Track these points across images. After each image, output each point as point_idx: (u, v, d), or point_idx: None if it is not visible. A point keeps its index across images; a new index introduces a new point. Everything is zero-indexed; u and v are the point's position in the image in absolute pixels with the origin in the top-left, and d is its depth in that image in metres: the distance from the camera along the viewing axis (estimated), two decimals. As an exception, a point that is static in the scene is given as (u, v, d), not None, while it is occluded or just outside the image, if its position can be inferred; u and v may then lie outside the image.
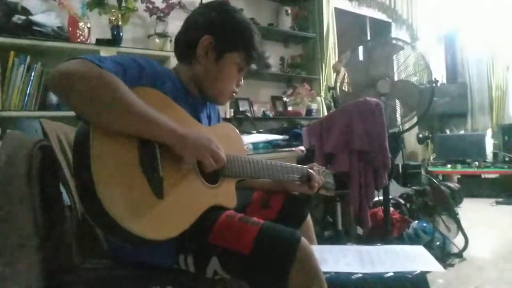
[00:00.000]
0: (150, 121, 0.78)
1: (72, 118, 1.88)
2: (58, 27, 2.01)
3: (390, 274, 1.00)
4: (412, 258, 1.11)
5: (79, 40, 2.09)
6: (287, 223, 0.92)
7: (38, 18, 1.92)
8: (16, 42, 1.86)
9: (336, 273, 1.00)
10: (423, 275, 1.01)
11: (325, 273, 0.85)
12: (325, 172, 1.33)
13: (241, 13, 1.10)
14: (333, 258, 1.11)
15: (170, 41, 2.53)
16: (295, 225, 1.09)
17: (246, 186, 1.24)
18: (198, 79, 1.05)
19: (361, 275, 1.00)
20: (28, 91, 1.90)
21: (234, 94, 1.14)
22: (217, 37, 1.01)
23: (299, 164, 1.24)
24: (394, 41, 2.60)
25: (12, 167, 0.84)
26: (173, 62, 2.34)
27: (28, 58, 1.89)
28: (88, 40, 2.14)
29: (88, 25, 2.14)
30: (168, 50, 2.47)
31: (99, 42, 2.11)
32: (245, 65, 1.07)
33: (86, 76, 0.73)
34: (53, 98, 2.02)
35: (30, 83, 1.91)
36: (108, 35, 2.26)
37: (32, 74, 1.91)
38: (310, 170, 1.21)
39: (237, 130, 1.21)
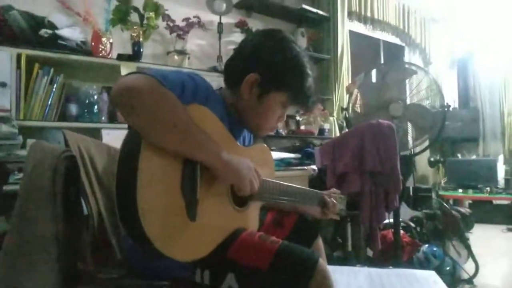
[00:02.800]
0: (201, 144, 0.80)
1: (90, 129, 1.90)
2: (82, 42, 2.09)
3: None
4: (423, 285, 1.11)
5: (101, 54, 2.16)
6: (299, 242, 0.93)
7: (63, 32, 2.00)
8: (42, 55, 1.92)
9: None
10: None
11: (335, 294, 0.85)
12: (341, 198, 1.34)
13: (297, 48, 1.03)
14: (344, 280, 1.11)
15: (188, 58, 2.60)
16: (306, 245, 1.10)
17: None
18: (240, 110, 1.05)
19: None
20: (49, 102, 1.95)
21: (274, 128, 1.13)
22: (264, 76, 0.98)
23: (311, 183, 1.26)
24: (407, 66, 2.63)
25: (37, 176, 0.88)
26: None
27: (52, 70, 1.96)
28: (110, 55, 2.21)
29: (111, 41, 2.21)
30: (186, 67, 2.53)
31: (120, 57, 2.18)
32: (290, 104, 1.05)
33: (152, 95, 0.74)
34: (73, 109, 2.08)
35: (52, 94, 1.96)
36: (129, 50, 2.33)
37: (55, 86, 1.97)
38: (327, 198, 1.22)
39: (271, 152, 1.22)
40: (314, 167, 2.43)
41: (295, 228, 1.18)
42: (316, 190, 1.25)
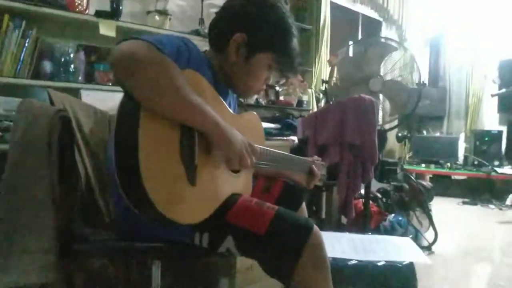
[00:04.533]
0: (199, 111, 0.79)
1: (66, 89, 1.81)
2: (57, -6, 1.95)
3: (382, 262, 1.08)
4: (401, 249, 1.20)
5: (77, 9, 2.03)
6: (285, 207, 0.95)
7: (36, -18, 1.86)
8: (12, 5, 1.78)
9: (334, 258, 1.06)
10: (411, 265, 1.10)
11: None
12: (322, 166, 1.39)
13: (283, 9, 1.03)
14: (329, 244, 1.18)
15: (170, 19, 2.50)
16: (292, 210, 1.14)
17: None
18: (226, 72, 1.05)
19: (356, 261, 1.07)
20: (21, 58, 1.84)
21: (260, 90, 1.14)
22: (251, 35, 0.99)
23: (292, 153, 1.30)
24: (388, 41, 2.68)
25: (31, 135, 0.85)
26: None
27: (24, 23, 1.83)
28: (87, 11, 2.09)
29: (88, -5, 2.08)
30: (167, 29, 2.44)
31: (99, 13, 2.06)
32: (275, 66, 1.05)
33: (153, 63, 0.74)
34: (47, 67, 1.98)
35: (24, 49, 1.84)
36: (106, 6, 2.20)
37: (27, 41, 1.85)
38: (314, 166, 1.26)
39: (260, 121, 1.23)
40: (294, 138, 2.48)
41: (282, 195, 1.22)
42: (305, 158, 1.28)
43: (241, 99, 2.97)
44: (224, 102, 0.99)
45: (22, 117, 0.85)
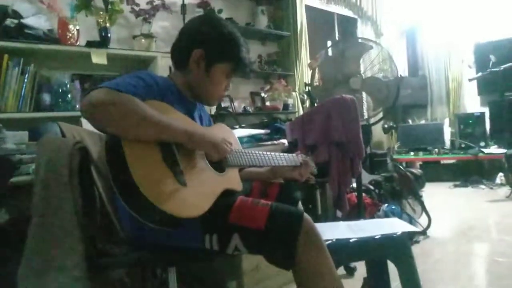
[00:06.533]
0: (165, 127, 0.95)
1: (66, 118, 1.95)
2: (49, 30, 2.07)
3: (379, 236, 1.25)
4: (392, 225, 1.37)
5: (69, 42, 2.15)
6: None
7: (29, 21, 1.97)
8: (10, 45, 1.91)
9: (336, 239, 1.22)
10: (405, 235, 1.27)
11: (326, 240, 1.05)
12: (310, 159, 1.52)
13: (230, 25, 1.23)
14: (328, 231, 1.33)
15: (155, 41, 2.63)
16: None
17: (245, 177, 1.41)
18: (192, 85, 1.22)
19: (356, 239, 1.23)
20: (23, 93, 1.95)
21: (222, 96, 1.32)
22: (207, 50, 1.16)
23: (284, 155, 1.43)
24: (363, 41, 2.83)
25: (55, 164, 0.97)
26: (160, 62, 2.45)
27: (22, 61, 1.94)
28: (78, 42, 2.21)
29: (77, 27, 2.20)
30: (154, 51, 2.57)
31: (89, 44, 2.18)
32: (232, 73, 1.24)
33: (114, 103, 0.88)
34: (46, 99, 2.09)
35: (24, 85, 1.96)
36: (95, 35, 2.33)
37: (26, 76, 1.97)
38: (306, 159, 1.40)
39: (229, 128, 1.40)
40: (283, 141, 2.61)
41: (279, 195, 1.35)
42: (290, 154, 1.42)
43: (230, 110, 3.11)
44: (189, 118, 1.14)
45: (46, 150, 0.98)
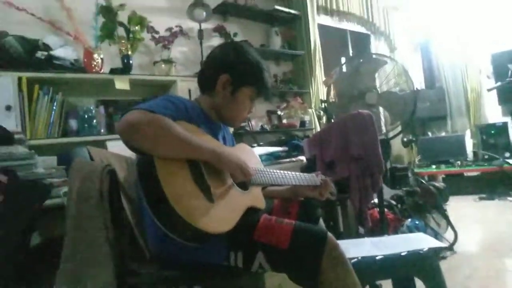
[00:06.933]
0: (195, 146, 1.01)
1: (91, 142, 2.00)
2: (75, 60, 2.19)
3: (405, 253, 1.23)
4: (418, 240, 1.34)
5: (94, 70, 2.26)
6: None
7: (57, 52, 2.10)
8: (40, 76, 2.03)
9: (362, 257, 1.21)
10: (432, 251, 1.24)
11: (350, 258, 1.05)
12: (329, 178, 1.53)
13: (253, 52, 1.30)
14: (353, 248, 1.32)
15: (175, 66, 2.73)
16: (310, 226, 1.29)
17: (267, 195, 1.44)
18: (217, 107, 1.28)
19: (382, 256, 1.22)
20: (51, 120, 2.06)
21: (245, 118, 1.39)
22: (233, 75, 1.23)
23: (303, 172, 1.45)
24: (379, 57, 2.86)
25: (86, 187, 1.02)
26: (180, 85, 2.54)
27: (51, 90, 2.06)
28: (102, 70, 2.32)
29: (101, 56, 2.32)
30: (173, 75, 2.67)
31: (113, 71, 2.29)
32: (256, 97, 1.31)
33: (149, 124, 0.94)
34: (73, 124, 2.19)
35: (53, 112, 2.07)
36: (118, 62, 2.44)
37: (55, 104, 2.08)
38: (326, 178, 1.42)
39: (250, 147, 1.45)
40: (302, 157, 2.63)
41: (299, 213, 1.37)
42: (309, 174, 1.44)
43: (248, 128, 3.16)
44: (214, 139, 1.19)
45: (79, 173, 1.03)
